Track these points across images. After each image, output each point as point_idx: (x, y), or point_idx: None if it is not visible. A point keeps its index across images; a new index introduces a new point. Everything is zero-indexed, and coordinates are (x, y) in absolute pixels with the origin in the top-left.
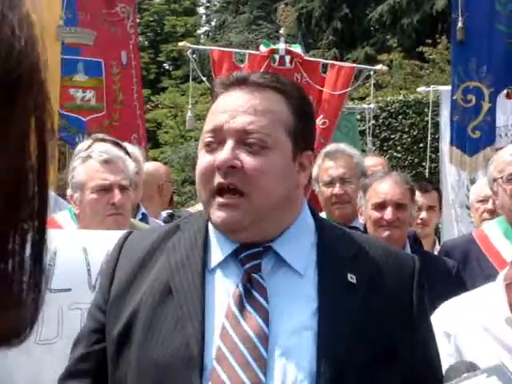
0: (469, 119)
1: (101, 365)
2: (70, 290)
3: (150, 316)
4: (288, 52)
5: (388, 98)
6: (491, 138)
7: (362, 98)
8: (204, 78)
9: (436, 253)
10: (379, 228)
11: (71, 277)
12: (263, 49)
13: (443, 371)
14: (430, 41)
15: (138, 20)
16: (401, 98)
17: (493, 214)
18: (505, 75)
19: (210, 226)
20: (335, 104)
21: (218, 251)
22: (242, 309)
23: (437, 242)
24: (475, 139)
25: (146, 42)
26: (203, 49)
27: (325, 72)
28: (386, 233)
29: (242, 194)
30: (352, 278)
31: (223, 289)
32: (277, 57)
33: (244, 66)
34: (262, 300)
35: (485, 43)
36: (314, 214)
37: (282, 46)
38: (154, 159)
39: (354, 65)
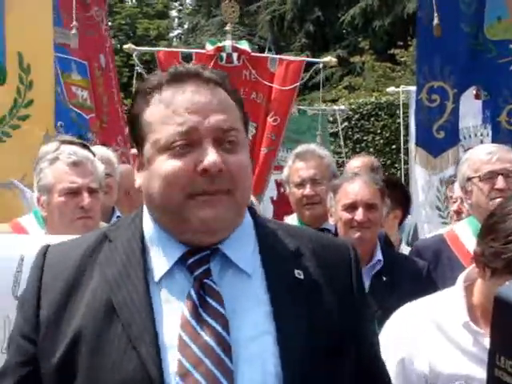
0: (433, 119)
1: None
2: None
3: (95, 340)
4: (235, 49)
5: (360, 100)
6: (454, 138)
7: (334, 101)
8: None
9: (401, 251)
10: (350, 229)
11: None
12: (209, 47)
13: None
14: (401, 43)
15: (110, 23)
16: (373, 99)
17: (459, 215)
18: (468, 76)
19: (147, 233)
20: (285, 100)
21: (160, 260)
22: (198, 318)
23: (403, 241)
24: (439, 139)
25: (119, 46)
26: (149, 50)
27: (273, 67)
28: (357, 234)
29: (225, 193)
30: (299, 273)
31: (172, 299)
32: (224, 54)
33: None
34: (218, 307)
35: (449, 43)
36: (250, 211)
37: (228, 43)
38: None
39: (303, 58)
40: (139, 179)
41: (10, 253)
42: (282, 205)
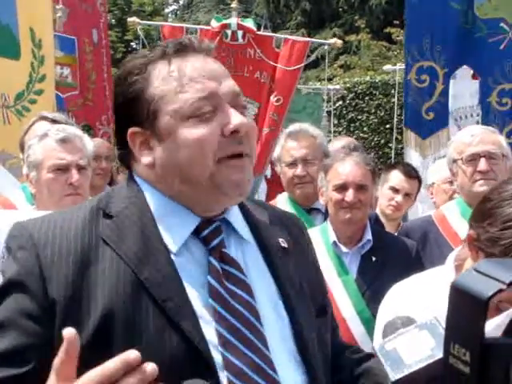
0: (423, 100)
1: None
2: None
3: (128, 318)
4: (240, 27)
5: (355, 79)
6: (444, 119)
7: (329, 79)
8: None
9: None
10: (340, 209)
11: None
12: (215, 24)
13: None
14: (397, 22)
15: None
16: (368, 79)
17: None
18: (458, 56)
19: (155, 207)
20: (289, 80)
21: (175, 232)
22: (225, 288)
23: (402, 225)
24: (429, 121)
25: (113, 21)
26: (153, 24)
27: (278, 47)
28: (348, 215)
29: (246, 156)
30: (283, 242)
31: (193, 270)
32: (229, 32)
33: None
34: (240, 275)
35: (438, 22)
36: None
37: (233, 20)
38: None
39: (308, 39)
40: (149, 156)
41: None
42: (276, 184)
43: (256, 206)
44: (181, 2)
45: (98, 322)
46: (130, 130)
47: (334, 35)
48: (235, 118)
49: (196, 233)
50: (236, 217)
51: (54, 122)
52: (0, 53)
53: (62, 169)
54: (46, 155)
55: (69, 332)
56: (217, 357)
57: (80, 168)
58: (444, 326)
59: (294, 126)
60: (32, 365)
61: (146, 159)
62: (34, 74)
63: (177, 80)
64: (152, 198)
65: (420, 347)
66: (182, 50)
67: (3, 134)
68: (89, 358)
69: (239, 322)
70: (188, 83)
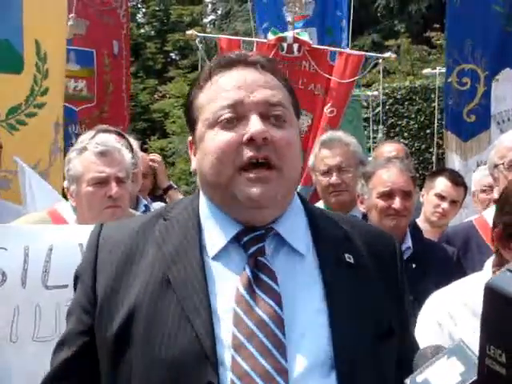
0: (464, 103)
1: (89, 368)
2: (66, 286)
3: (150, 312)
4: (296, 40)
5: (394, 85)
6: (486, 122)
7: (368, 85)
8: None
9: None
10: (386, 217)
11: (68, 273)
12: (271, 37)
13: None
14: (437, 25)
15: (143, 10)
16: (407, 84)
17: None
18: (500, 58)
19: (202, 212)
20: (343, 92)
21: (216, 237)
22: (252, 293)
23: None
24: (470, 123)
25: (153, 32)
26: (211, 37)
27: (333, 60)
28: (394, 222)
29: (273, 168)
30: (349, 257)
31: (227, 275)
32: (285, 45)
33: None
34: (272, 283)
35: (480, 25)
36: (299, 196)
37: (289, 33)
38: (162, 149)
39: (363, 53)
40: (194, 163)
41: (39, 243)
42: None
43: (337, 220)
44: (219, 12)
45: (124, 316)
46: (188, 138)
47: (373, 41)
48: (253, 126)
49: (239, 239)
50: (290, 227)
51: (119, 134)
52: None
53: (102, 182)
54: (85, 169)
55: None
56: (226, 358)
57: (119, 180)
58: (471, 348)
59: (328, 134)
60: (78, 348)
61: (192, 166)
62: (36, 88)
63: (212, 91)
64: (202, 204)
65: (450, 374)
66: (231, 63)
67: None
68: (113, 351)
69: (258, 327)
70: (219, 93)
